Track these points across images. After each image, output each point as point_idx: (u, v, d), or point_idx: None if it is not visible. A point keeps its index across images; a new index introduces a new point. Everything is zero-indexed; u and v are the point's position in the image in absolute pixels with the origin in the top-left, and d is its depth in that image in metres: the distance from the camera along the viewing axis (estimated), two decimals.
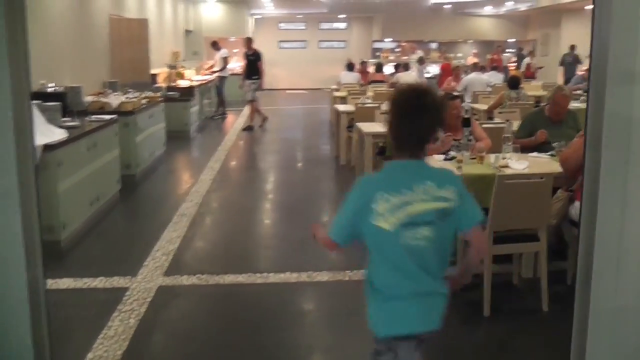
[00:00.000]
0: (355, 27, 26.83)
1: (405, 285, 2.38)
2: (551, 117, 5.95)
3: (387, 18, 24.10)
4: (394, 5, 22.80)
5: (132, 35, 10.73)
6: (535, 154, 5.57)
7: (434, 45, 26.01)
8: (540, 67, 20.00)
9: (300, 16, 26.23)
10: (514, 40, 25.37)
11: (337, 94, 12.94)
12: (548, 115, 5.99)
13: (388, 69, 17.42)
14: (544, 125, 5.90)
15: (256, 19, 25.60)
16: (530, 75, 17.55)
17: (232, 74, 16.92)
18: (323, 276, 5.13)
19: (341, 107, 10.21)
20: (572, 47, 17.31)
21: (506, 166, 4.98)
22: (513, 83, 9.64)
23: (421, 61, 18.26)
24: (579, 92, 10.81)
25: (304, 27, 27.06)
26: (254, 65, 13.99)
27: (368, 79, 14.92)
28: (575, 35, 19.19)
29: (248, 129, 13.84)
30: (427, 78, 17.97)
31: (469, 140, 5.65)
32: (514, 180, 4.31)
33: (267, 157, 11.41)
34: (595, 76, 2.41)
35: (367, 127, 7.68)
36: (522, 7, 21.23)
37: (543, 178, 4.34)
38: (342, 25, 27.23)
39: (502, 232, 4.35)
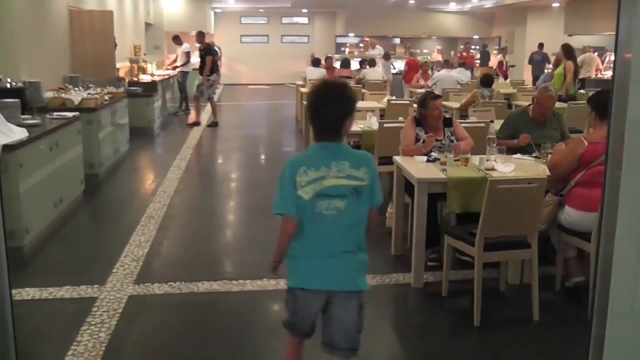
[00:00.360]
0: (318, 22, 26.66)
1: (317, 247, 2.78)
2: (535, 118, 5.82)
3: (351, 13, 23.96)
4: (358, 0, 22.67)
5: (94, 28, 10.22)
6: (518, 155, 5.45)
7: (397, 41, 25.94)
8: (513, 66, 19.92)
9: (262, 10, 25.96)
10: (478, 37, 25.44)
11: (304, 90, 12.71)
12: (532, 116, 5.86)
13: (354, 64, 17.23)
14: (527, 126, 5.77)
15: (218, 13, 25.22)
16: (502, 72, 17.50)
17: (195, 69, 16.55)
18: None
19: None
20: (541, 45, 17.35)
21: (492, 169, 4.84)
22: (486, 81, 9.49)
23: (387, 57, 18.14)
24: None
25: (265, 22, 26.82)
26: (204, 60, 13.67)
27: (335, 75, 14.72)
28: (541, 33, 19.31)
29: (212, 124, 13.59)
30: (393, 74, 17.85)
31: (451, 140, 5.50)
32: (506, 186, 4.13)
33: (235, 154, 11.11)
34: (619, 81, 2.26)
35: None
36: (488, 4, 21.25)
37: (531, 183, 4.19)
38: (304, 20, 27.03)
39: (492, 239, 4.19)
